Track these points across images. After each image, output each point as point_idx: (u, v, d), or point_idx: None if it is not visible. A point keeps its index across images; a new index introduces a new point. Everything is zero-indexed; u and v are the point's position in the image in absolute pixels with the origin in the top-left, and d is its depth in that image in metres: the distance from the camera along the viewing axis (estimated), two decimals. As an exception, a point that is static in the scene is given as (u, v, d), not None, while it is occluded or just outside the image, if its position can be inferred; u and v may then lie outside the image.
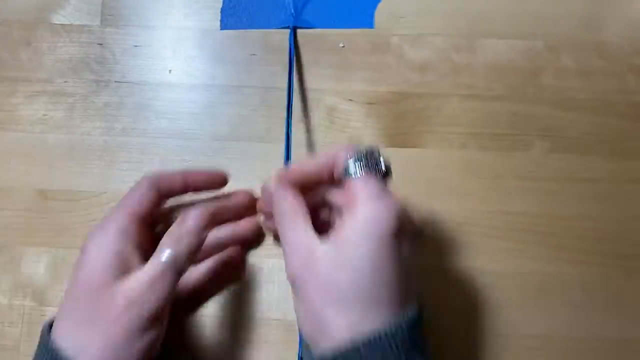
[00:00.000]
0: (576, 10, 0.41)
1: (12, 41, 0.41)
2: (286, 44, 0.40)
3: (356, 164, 0.29)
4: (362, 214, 0.28)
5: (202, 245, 0.30)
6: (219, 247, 0.36)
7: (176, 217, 0.31)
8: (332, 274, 0.27)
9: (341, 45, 0.40)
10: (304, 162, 0.32)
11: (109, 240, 0.29)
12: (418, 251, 0.38)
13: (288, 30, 0.40)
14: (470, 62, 0.40)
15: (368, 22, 0.41)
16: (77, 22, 0.41)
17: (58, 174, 0.40)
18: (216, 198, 0.35)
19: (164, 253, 0.29)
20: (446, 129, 0.39)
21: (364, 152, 0.30)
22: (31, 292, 0.38)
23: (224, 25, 0.41)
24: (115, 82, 0.40)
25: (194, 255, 0.30)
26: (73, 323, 0.28)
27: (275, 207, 0.30)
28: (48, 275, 0.38)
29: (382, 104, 0.40)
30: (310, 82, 0.40)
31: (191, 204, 0.35)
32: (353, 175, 0.29)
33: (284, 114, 0.37)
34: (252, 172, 0.39)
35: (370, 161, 0.29)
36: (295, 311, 0.29)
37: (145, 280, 0.28)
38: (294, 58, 0.40)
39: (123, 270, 0.28)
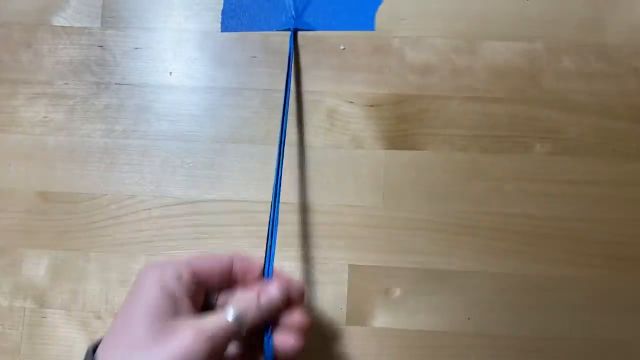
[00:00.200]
0: (576, 12, 0.41)
1: (13, 43, 0.41)
2: (287, 46, 0.40)
3: None
4: None
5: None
6: None
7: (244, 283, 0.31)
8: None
9: (342, 47, 0.40)
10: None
11: (165, 279, 0.29)
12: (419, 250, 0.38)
13: (289, 33, 0.40)
14: (470, 64, 0.40)
15: (369, 25, 0.41)
16: (78, 24, 0.41)
17: (58, 176, 0.40)
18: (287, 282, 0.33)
19: (230, 312, 0.29)
20: (447, 131, 0.39)
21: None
22: (32, 294, 0.38)
23: (225, 28, 0.41)
24: (116, 84, 0.40)
25: (251, 329, 0.29)
26: (125, 349, 0.27)
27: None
28: (48, 277, 0.38)
29: (383, 106, 0.40)
30: (311, 84, 0.40)
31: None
32: None
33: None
34: (252, 175, 0.39)
35: None
36: None
37: (207, 328, 0.27)
38: (293, 60, 0.40)
39: (174, 312, 0.28)
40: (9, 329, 0.38)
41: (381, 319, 0.38)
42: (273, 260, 0.33)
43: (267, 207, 0.37)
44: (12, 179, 0.40)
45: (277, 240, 0.33)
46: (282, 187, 0.35)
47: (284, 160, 0.36)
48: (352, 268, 0.38)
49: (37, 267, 0.39)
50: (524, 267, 0.38)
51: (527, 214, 0.38)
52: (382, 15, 0.41)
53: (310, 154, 0.39)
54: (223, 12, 0.41)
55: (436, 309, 0.37)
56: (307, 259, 0.38)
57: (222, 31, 0.41)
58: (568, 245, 0.38)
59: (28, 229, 0.39)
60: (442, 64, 0.40)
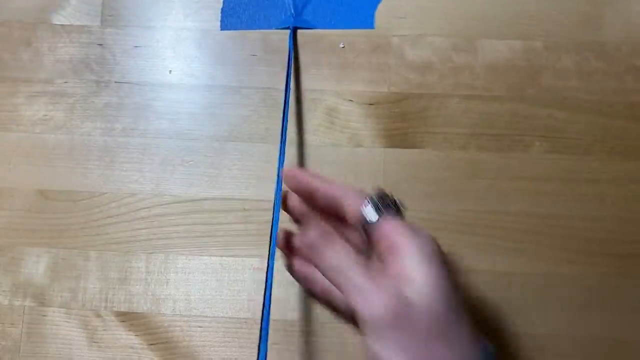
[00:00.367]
0: (575, 10, 0.41)
1: (13, 42, 0.41)
2: (286, 44, 0.40)
3: (377, 210, 0.29)
4: (415, 249, 0.27)
5: None
6: None
7: None
8: (429, 311, 0.26)
9: (341, 45, 0.40)
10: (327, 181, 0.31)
11: None
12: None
13: (288, 31, 0.40)
14: (470, 62, 0.40)
15: (368, 23, 0.41)
16: (78, 23, 0.41)
17: (58, 175, 0.40)
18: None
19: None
20: (446, 130, 0.39)
21: (379, 195, 0.30)
22: (31, 292, 0.38)
23: (224, 26, 0.41)
24: (116, 82, 0.41)
25: None
26: None
27: (328, 252, 0.29)
28: (48, 275, 0.38)
29: (382, 105, 0.40)
30: (310, 82, 0.40)
31: None
32: (378, 219, 0.29)
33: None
34: (252, 173, 0.39)
35: (389, 203, 0.29)
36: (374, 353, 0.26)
37: None
38: (293, 59, 0.40)
39: None
40: (9, 327, 0.38)
41: (381, 317, 0.38)
42: (273, 261, 0.33)
43: (267, 206, 0.37)
44: (12, 177, 0.40)
45: (277, 240, 0.33)
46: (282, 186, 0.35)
47: (284, 159, 0.36)
48: (352, 266, 0.38)
49: (37, 266, 0.39)
50: (523, 265, 0.38)
51: (526, 212, 0.38)
52: (381, 13, 0.41)
53: (309, 153, 0.39)
54: (222, 11, 0.41)
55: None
56: (306, 257, 0.38)
57: (221, 29, 0.41)
58: (567, 243, 0.38)
59: (28, 227, 0.39)
60: (442, 63, 0.40)
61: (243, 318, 0.38)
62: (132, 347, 0.37)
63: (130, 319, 0.38)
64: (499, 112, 0.40)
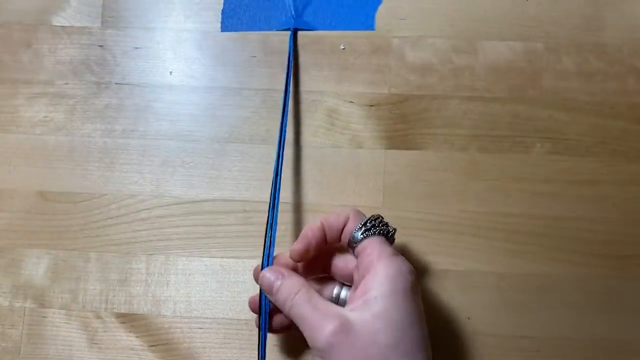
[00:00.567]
0: (576, 11, 0.41)
1: (13, 43, 0.41)
2: (287, 46, 0.40)
3: (367, 232, 0.31)
4: (385, 270, 0.29)
5: None
6: None
7: None
8: (371, 335, 0.27)
9: (342, 47, 0.40)
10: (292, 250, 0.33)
11: None
12: (421, 251, 0.38)
13: (288, 32, 0.40)
14: (470, 64, 0.40)
15: (369, 24, 0.41)
16: (78, 24, 0.41)
17: (58, 176, 0.40)
18: None
19: None
20: (447, 131, 0.39)
21: (370, 219, 0.32)
22: (32, 294, 0.38)
23: (225, 27, 0.41)
24: (116, 84, 0.40)
25: None
26: None
27: (281, 289, 0.31)
28: (48, 277, 0.38)
29: (383, 106, 0.40)
30: (311, 84, 0.40)
31: None
32: (364, 240, 0.31)
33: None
34: (253, 174, 0.39)
35: (379, 227, 0.32)
36: None
37: None
38: (293, 60, 0.40)
39: None
40: (9, 328, 0.38)
41: (381, 319, 0.37)
42: (272, 261, 0.33)
43: (267, 207, 0.37)
44: (12, 178, 0.40)
45: (275, 240, 0.33)
46: (281, 187, 0.35)
47: (283, 160, 0.36)
48: (352, 268, 0.38)
49: (37, 267, 0.39)
50: (523, 266, 0.38)
51: (527, 214, 0.38)
52: (382, 15, 0.41)
53: (310, 154, 0.39)
54: (223, 12, 0.41)
55: (436, 309, 0.37)
56: (307, 259, 0.38)
57: (222, 31, 0.41)
58: (568, 244, 0.38)
59: (28, 229, 0.39)
60: (442, 64, 0.40)
61: (243, 319, 0.38)
62: (132, 349, 0.37)
63: (130, 320, 0.38)
64: (499, 114, 0.40)
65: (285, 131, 0.37)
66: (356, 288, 0.31)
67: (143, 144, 0.40)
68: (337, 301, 0.33)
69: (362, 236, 0.31)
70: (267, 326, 0.33)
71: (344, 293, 0.34)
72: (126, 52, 0.41)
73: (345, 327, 0.28)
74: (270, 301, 0.32)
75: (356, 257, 0.32)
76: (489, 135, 0.39)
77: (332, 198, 0.39)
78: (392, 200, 0.39)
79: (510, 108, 0.40)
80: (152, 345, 0.37)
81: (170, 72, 0.41)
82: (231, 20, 0.41)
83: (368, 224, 0.32)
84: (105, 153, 0.40)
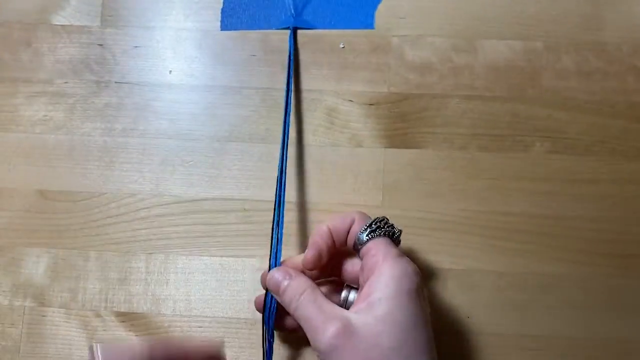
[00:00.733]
0: (576, 10, 0.41)
1: (13, 42, 0.41)
2: (286, 44, 0.40)
3: (372, 233, 0.31)
4: (390, 272, 0.29)
5: None
6: None
7: None
8: (374, 338, 0.27)
9: (341, 46, 0.40)
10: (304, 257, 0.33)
11: None
12: (423, 250, 0.38)
13: (288, 31, 0.40)
14: (470, 62, 0.40)
15: (368, 23, 0.41)
16: (77, 23, 0.41)
17: (58, 175, 0.40)
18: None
19: None
20: (446, 130, 0.39)
21: (375, 220, 0.32)
22: (31, 293, 0.38)
23: (224, 26, 0.41)
24: (116, 82, 0.40)
25: None
26: None
27: (287, 289, 0.31)
28: (48, 276, 0.38)
29: (382, 105, 0.40)
30: (310, 82, 0.40)
31: None
32: (369, 241, 0.31)
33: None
34: (253, 173, 0.39)
35: (384, 228, 0.32)
36: None
37: None
38: (293, 59, 0.40)
39: None
40: (9, 327, 0.38)
41: (381, 318, 0.37)
42: (280, 260, 0.33)
43: (267, 206, 0.37)
44: (12, 177, 0.40)
45: (282, 239, 0.33)
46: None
47: (287, 159, 0.36)
48: (352, 266, 0.38)
49: (36, 266, 0.39)
50: (524, 265, 0.38)
51: (527, 213, 0.38)
52: (381, 13, 0.41)
53: (309, 153, 0.39)
54: (223, 11, 0.41)
55: (436, 308, 0.37)
56: (306, 258, 0.38)
57: (221, 30, 0.41)
58: (568, 243, 0.38)
59: (28, 228, 0.39)
60: (442, 63, 0.40)
61: (243, 318, 0.38)
62: (131, 348, 0.37)
63: (130, 319, 0.38)
64: (499, 113, 0.40)
65: (288, 130, 0.37)
66: (361, 290, 0.30)
67: (143, 142, 0.40)
68: (346, 304, 0.33)
69: (367, 237, 0.31)
70: (271, 326, 0.33)
71: (352, 296, 0.33)
72: (126, 51, 0.41)
73: (347, 330, 0.28)
74: (277, 301, 0.32)
75: (361, 258, 0.32)
76: (489, 134, 0.39)
77: (332, 197, 0.39)
78: (391, 199, 0.39)
79: (509, 107, 0.40)
80: (151, 344, 0.37)
81: (170, 71, 0.41)
82: (231, 19, 0.41)
83: (373, 226, 0.32)
84: (105, 152, 0.40)
